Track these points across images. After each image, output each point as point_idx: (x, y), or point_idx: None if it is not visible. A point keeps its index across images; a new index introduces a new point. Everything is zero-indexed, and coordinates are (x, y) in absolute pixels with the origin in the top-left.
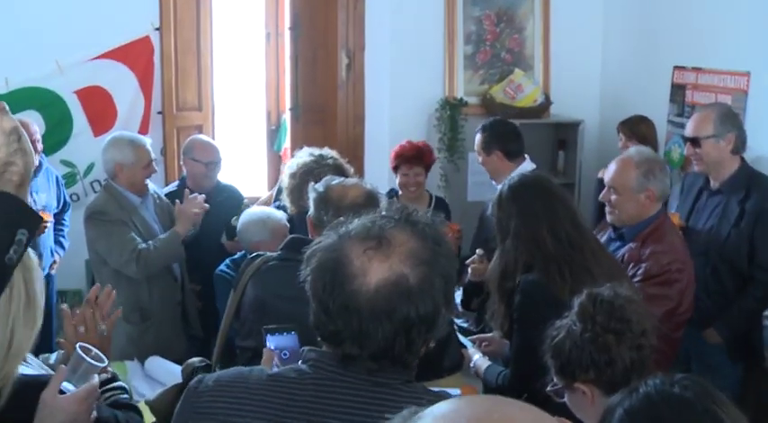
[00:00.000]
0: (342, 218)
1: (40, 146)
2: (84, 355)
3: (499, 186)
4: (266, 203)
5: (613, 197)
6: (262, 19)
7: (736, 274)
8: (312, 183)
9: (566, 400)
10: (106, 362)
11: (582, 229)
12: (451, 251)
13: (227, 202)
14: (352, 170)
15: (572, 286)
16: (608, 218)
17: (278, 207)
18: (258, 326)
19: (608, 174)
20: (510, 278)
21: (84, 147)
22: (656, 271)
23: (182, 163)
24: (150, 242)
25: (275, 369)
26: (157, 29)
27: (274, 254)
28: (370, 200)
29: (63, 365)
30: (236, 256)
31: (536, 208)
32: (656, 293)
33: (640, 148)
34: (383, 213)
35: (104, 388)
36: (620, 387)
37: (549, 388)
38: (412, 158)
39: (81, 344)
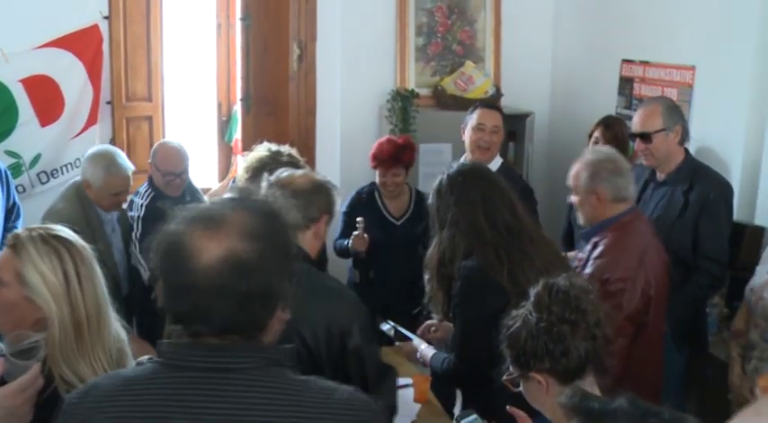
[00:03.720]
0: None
1: None
2: (10, 358)
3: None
4: (218, 195)
5: (574, 198)
6: (213, 9)
7: (681, 262)
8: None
9: (521, 389)
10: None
11: (520, 217)
12: (289, 227)
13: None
14: (308, 168)
15: (510, 270)
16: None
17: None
18: None
19: (569, 174)
20: (448, 265)
21: (31, 137)
22: (596, 279)
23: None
24: None
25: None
26: (106, 17)
27: None
28: (318, 188)
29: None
30: None
31: (473, 196)
32: None
33: (598, 148)
34: (224, 197)
35: None
36: (574, 376)
37: (504, 377)
38: (388, 160)
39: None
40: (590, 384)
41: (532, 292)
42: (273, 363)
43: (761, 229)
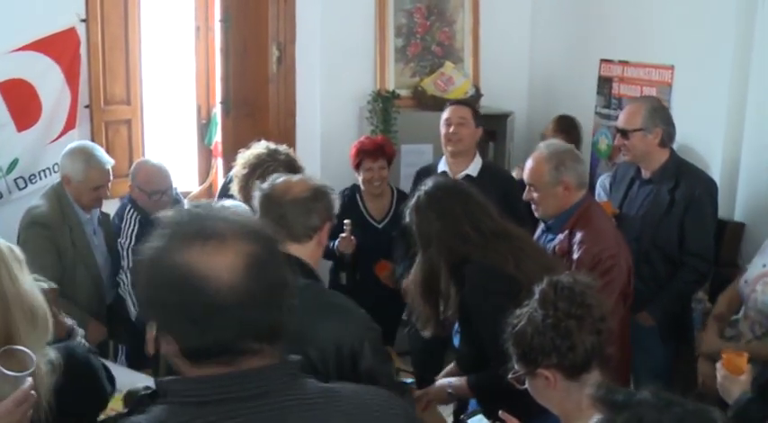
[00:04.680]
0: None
1: None
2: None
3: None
4: (198, 198)
5: (534, 195)
6: (192, 11)
7: (668, 259)
8: (258, 181)
9: (527, 386)
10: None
11: (502, 221)
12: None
13: None
14: (304, 168)
15: (515, 263)
16: (535, 214)
17: (226, 196)
18: None
19: (525, 172)
20: (436, 280)
21: (7, 142)
22: (588, 262)
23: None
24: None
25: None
26: (84, 20)
27: None
28: (318, 195)
29: None
30: None
31: (455, 210)
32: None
33: (549, 142)
34: (179, 216)
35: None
36: (581, 371)
37: (510, 375)
38: (374, 151)
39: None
40: (595, 378)
41: (537, 289)
42: (298, 376)
43: (741, 225)
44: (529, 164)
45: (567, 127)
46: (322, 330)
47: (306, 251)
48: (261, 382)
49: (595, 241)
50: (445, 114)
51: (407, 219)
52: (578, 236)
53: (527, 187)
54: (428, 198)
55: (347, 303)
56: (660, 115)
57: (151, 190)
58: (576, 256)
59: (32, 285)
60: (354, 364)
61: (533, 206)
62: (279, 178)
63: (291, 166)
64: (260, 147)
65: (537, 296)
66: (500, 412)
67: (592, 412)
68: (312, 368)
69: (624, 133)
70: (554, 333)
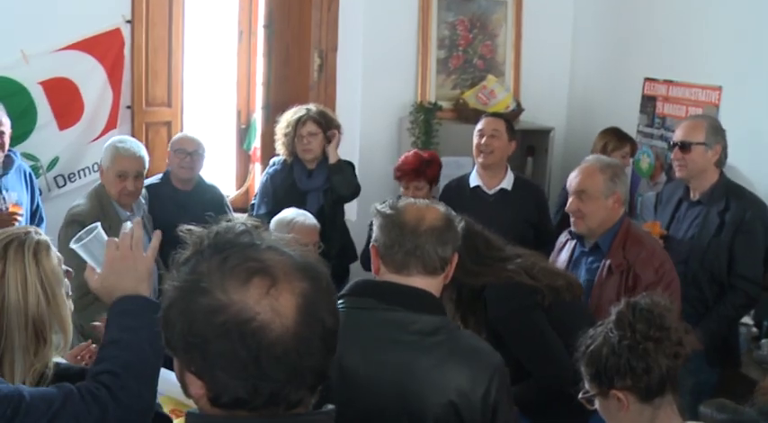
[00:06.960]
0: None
1: (7, 139)
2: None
3: None
4: (234, 202)
5: (582, 205)
6: (235, 15)
7: (715, 282)
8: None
9: (596, 407)
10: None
11: (509, 249)
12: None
13: (209, 204)
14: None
15: (527, 274)
16: (575, 228)
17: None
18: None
19: (573, 181)
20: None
21: (49, 140)
22: (652, 278)
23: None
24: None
25: None
26: (129, 21)
27: None
28: (450, 223)
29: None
30: None
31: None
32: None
33: (599, 156)
34: (207, 244)
35: None
36: (656, 394)
37: (580, 395)
38: (411, 173)
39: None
40: (669, 402)
41: (613, 310)
42: None
43: None
44: (579, 174)
45: (623, 135)
46: (466, 376)
47: (436, 285)
48: None
49: (655, 256)
50: (479, 125)
51: None
52: (636, 253)
53: (573, 196)
54: None
55: (485, 346)
56: (720, 132)
57: (176, 148)
58: (638, 271)
59: (55, 298)
60: (495, 414)
61: (573, 219)
62: (399, 202)
63: (324, 115)
64: (292, 110)
65: (613, 317)
66: None
67: None
68: (457, 416)
69: (685, 146)
70: (630, 355)
